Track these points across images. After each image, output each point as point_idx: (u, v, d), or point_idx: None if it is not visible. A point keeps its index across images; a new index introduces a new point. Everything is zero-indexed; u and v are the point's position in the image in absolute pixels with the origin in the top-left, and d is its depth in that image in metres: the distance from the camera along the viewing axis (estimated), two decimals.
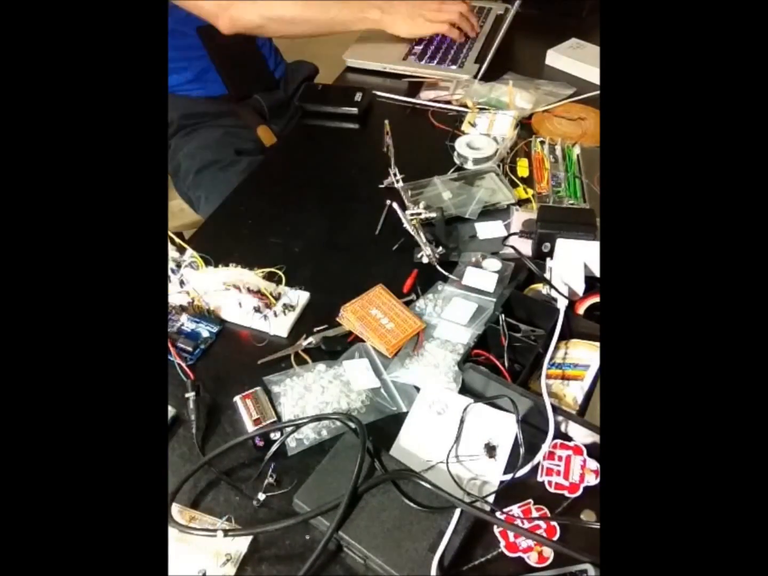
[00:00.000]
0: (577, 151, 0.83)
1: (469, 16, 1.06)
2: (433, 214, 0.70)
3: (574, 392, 0.54)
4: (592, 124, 0.88)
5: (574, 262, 0.61)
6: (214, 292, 0.64)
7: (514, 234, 0.71)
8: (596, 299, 0.60)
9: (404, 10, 1.00)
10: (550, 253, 0.64)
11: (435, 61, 1.04)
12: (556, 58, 1.06)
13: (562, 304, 0.58)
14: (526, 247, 0.68)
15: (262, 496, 0.50)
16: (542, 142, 0.84)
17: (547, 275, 0.62)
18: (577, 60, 1.03)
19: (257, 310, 0.62)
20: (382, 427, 0.55)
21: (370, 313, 0.63)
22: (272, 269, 0.67)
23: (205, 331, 0.62)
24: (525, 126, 0.90)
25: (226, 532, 0.46)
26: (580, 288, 0.60)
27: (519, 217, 0.73)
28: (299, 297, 0.65)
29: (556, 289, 0.60)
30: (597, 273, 0.61)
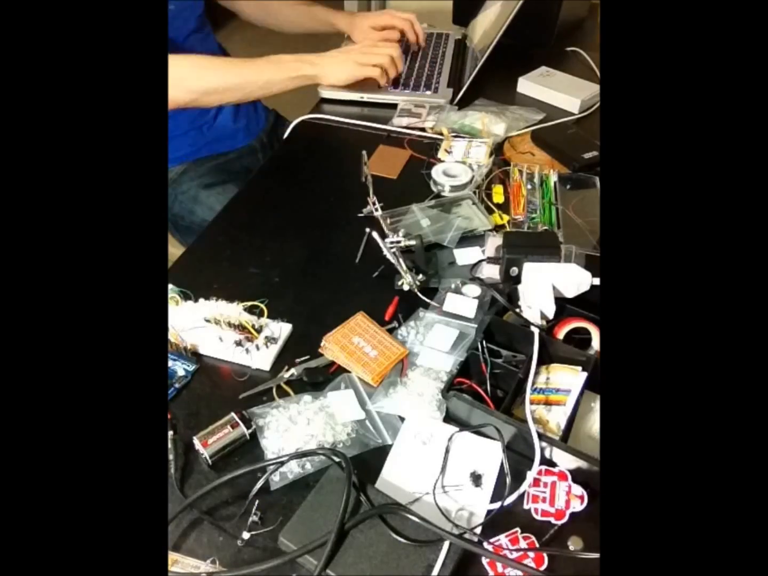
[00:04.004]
0: (554, 178, 0.84)
1: (399, 61, 1.01)
2: (413, 242, 0.70)
3: (557, 418, 0.54)
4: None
5: (542, 285, 0.62)
6: (193, 328, 0.63)
7: (483, 261, 0.72)
8: (576, 324, 0.61)
9: (334, 59, 0.98)
10: (518, 277, 0.65)
11: (410, 88, 1.06)
12: (527, 85, 1.09)
13: (535, 329, 0.59)
14: (497, 272, 0.69)
15: (246, 535, 0.49)
16: (520, 171, 0.86)
17: (521, 300, 0.63)
18: (547, 87, 1.06)
19: (239, 344, 0.62)
20: (366, 460, 0.55)
21: (353, 342, 0.63)
22: (254, 302, 0.66)
23: (181, 369, 0.61)
24: (499, 152, 0.92)
25: None
26: (550, 310, 0.61)
27: (493, 243, 0.74)
28: (281, 329, 0.64)
29: (522, 317, 0.61)
30: (566, 294, 0.62)
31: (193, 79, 0.91)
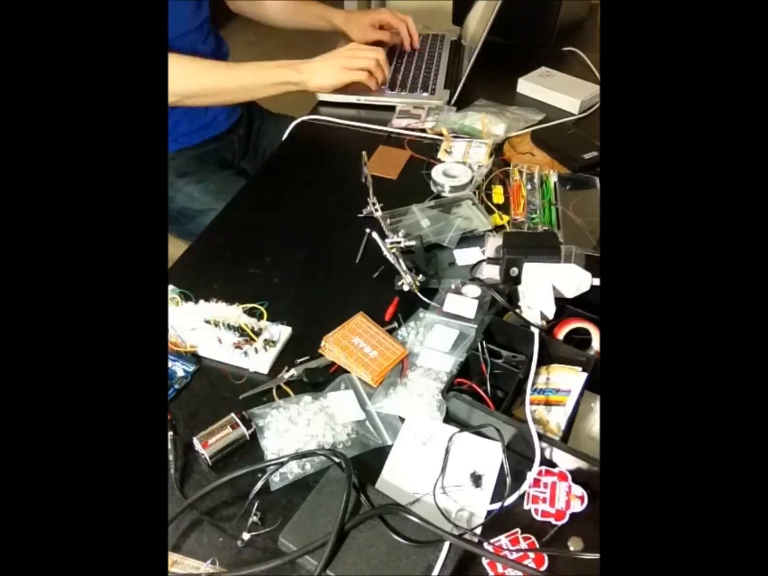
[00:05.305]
0: (554, 178, 0.84)
1: (384, 65, 1.01)
2: (413, 242, 0.70)
3: (557, 418, 0.54)
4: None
5: (542, 285, 0.62)
6: (193, 329, 0.63)
7: (483, 261, 0.72)
8: (576, 324, 0.61)
9: (319, 65, 0.97)
10: (519, 278, 0.65)
11: (407, 90, 1.06)
12: (527, 86, 1.09)
13: (535, 329, 0.59)
14: (497, 272, 0.69)
15: (246, 536, 0.49)
16: (520, 171, 0.86)
17: (521, 300, 0.63)
18: (547, 87, 1.06)
19: (237, 346, 0.62)
20: (366, 460, 0.55)
21: (353, 342, 0.62)
22: (254, 305, 0.66)
23: (180, 370, 0.61)
24: (499, 153, 0.92)
25: None
26: (550, 310, 0.61)
27: (492, 243, 0.74)
28: (281, 332, 0.64)
29: (522, 317, 0.61)
30: (566, 294, 0.62)
31: (177, 81, 0.89)
